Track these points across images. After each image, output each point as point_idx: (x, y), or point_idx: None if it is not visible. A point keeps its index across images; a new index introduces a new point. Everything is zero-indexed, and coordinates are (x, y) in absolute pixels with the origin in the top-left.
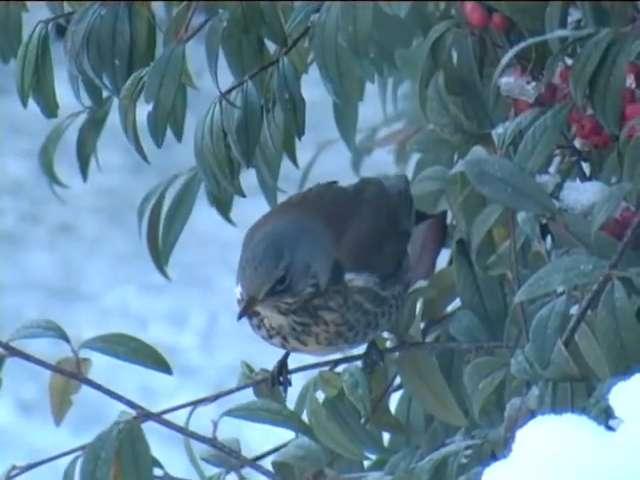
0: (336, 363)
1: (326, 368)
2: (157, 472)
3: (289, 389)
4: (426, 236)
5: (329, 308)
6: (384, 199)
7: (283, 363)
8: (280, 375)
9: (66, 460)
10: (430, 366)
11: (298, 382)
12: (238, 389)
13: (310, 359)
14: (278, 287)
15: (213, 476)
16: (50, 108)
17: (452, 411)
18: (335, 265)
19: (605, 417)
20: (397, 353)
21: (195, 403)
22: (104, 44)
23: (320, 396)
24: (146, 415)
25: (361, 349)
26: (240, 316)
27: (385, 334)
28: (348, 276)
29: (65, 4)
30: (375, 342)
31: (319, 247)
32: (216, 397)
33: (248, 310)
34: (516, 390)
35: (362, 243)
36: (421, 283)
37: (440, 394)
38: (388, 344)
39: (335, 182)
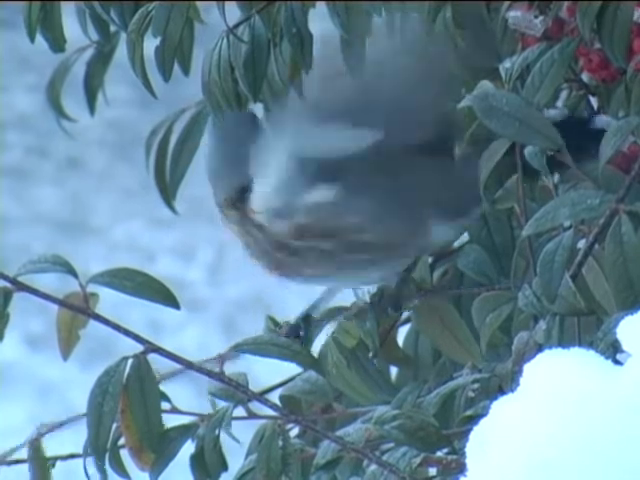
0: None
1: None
2: (164, 406)
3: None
4: None
5: None
6: None
7: (305, 315)
8: (299, 328)
9: (76, 394)
10: (451, 313)
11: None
12: None
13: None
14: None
15: (220, 410)
16: (58, 42)
17: (476, 357)
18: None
19: (612, 351)
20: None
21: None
22: None
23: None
24: (154, 349)
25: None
26: None
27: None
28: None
29: None
30: (401, 287)
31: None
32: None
33: None
34: (523, 324)
35: None
36: None
37: (464, 341)
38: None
39: None
